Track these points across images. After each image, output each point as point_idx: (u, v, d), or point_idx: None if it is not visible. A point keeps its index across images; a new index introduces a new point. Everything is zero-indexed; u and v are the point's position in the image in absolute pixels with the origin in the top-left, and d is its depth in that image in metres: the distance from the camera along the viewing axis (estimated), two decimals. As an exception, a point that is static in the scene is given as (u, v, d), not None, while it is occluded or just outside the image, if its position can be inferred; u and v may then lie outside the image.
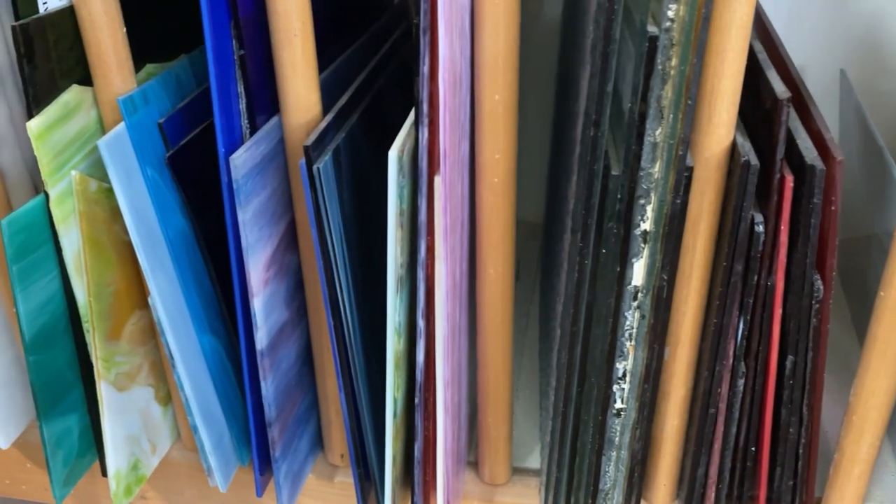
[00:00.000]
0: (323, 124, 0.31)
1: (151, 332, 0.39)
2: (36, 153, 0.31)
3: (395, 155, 0.27)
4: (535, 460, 0.41)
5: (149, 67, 0.36)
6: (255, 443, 0.37)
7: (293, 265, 0.36)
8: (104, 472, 0.41)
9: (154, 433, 0.41)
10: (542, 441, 0.40)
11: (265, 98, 0.33)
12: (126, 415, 0.38)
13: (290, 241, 0.35)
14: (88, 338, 0.36)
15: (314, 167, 0.29)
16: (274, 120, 0.33)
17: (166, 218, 0.34)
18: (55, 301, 0.35)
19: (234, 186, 0.30)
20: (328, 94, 0.34)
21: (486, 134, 0.30)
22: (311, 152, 0.29)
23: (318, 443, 0.42)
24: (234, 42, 0.30)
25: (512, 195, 0.32)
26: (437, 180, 0.28)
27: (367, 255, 0.35)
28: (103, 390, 0.36)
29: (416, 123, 0.27)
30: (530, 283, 0.54)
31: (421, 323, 0.31)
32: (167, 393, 0.41)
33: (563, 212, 0.34)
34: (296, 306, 0.37)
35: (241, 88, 0.31)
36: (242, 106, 0.32)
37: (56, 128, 0.32)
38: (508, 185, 0.32)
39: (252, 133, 0.32)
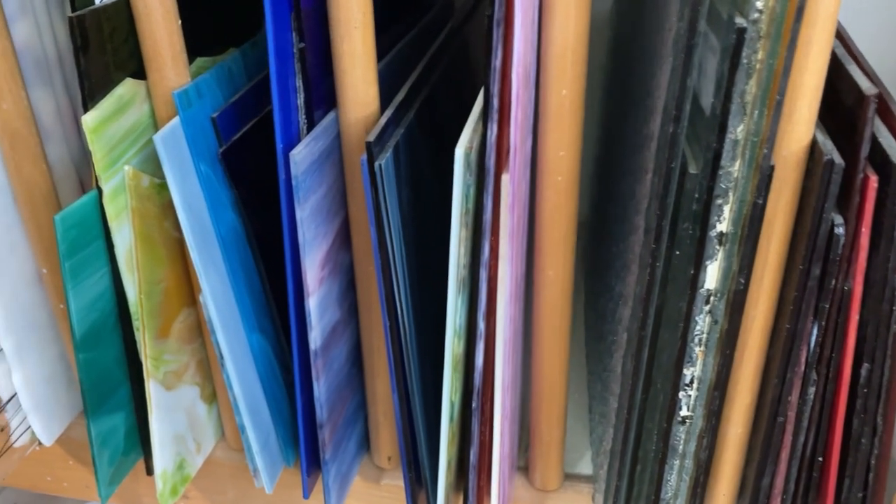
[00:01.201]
0: (383, 120, 0.30)
1: (198, 330, 0.39)
2: (90, 147, 0.31)
3: (462, 152, 0.26)
4: (585, 466, 0.40)
5: (199, 61, 0.35)
6: (303, 444, 0.37)
7: (346, 263, 0.35)
8: (149, 471, 0.40)
9: (199, 432, 0.40)
10: (595, 446, 0.39)
11: (322, 92, 0.32)
12: (173, 414, 0.38)
13: (343, 238, 0.34)
14: (138, 336, 0.35)
15: (375, 164, 0.28)
16: (331, 115, 0.32)
17: (218, 214, 0.34)
18: (105, 298, 0.35)
19: (294, 183, 0.29)
20: (381, 88, 0.33)
21: (552, 130, 0.29)
22: (373, 148, 0.28)
23: (365, 444, 0.41)
24: (293, 34, 0.29)
25: (575, 194, 0.31)
26: (505, 178, 0.27)
27: (423, 254, 0.34)
28: (152, 389, 0.36)
29: (485, 119, 0.26)
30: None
31: (481, 325, 0.30)
32: (212, 391, 0.41)
33: (626, 211, 0.33)
34: (347, 305, 0.36)
35: (299, 82, 0.30)
36: (300, 100, 0.31)
37: (110, 122, 0.31)
38: (572, 184, 0.31)
39: (309, 128, 0.31)
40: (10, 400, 0.40)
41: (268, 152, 0.36)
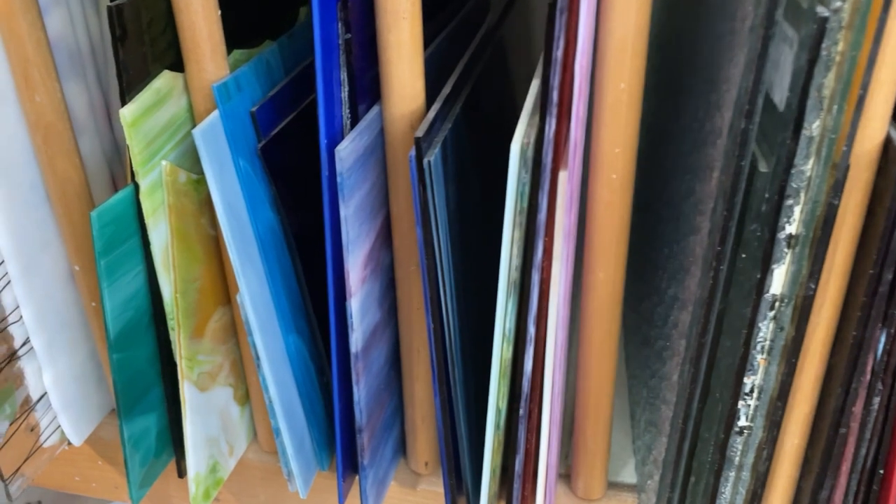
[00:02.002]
0: (431, 114, 0.29)
1: (232, 330, 0.38)
2: (128, 142, 0.30)
3: (518, 147, 0.25)
4: (628, 474, 0.39)
5: (236, 53, 0.34)
6: (340, 448, 0.36)
7: (386, 263, 0.34)
8: (180, 474, 0.40)
9: (232, 434, 0.39)
10: (641, 455, 0.38)
11: (365, 86, 0.31)
12: (207, 416, 0.37)
13: (385, 237, 0.33)
14: (173, 336, 0.34)
15: (424, 160, 0.27)
16: (375, 109, 0.31)
17: (256, 211, 0.33)
18: (139, 296, 0.34)
19: (339, 180, 0.28)
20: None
21: (607, 126, 0.28)
22: (422, 144, 0.27)
23: (401, 449, 0.40)
24: (339, 25, 0.28)
25: (629, 193, 0.30)
26: (563, 176, 0.25)
27: (467, 253, 0.32)
28: (186, 391, 0.35)
29: (543, 113, 0.25)
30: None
31: (531, 329, 0.29)
32: (245, 392, 0.40)
33: (681, 211, 0.32)
34: (387, 306, 0.35)
35: (343, 75, 0.29)
36: (344, 94, 0.30)
37: (148, 115, 0.30)
38: (626, 182, 0.29)
39: (353, 123, 0.30)
40: (39, 399, 0.39)
41: (306, 148, 0.35)
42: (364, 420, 0.34)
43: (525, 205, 0.26)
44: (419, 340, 0.35)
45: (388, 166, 0.32)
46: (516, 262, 0.27)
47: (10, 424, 0.37)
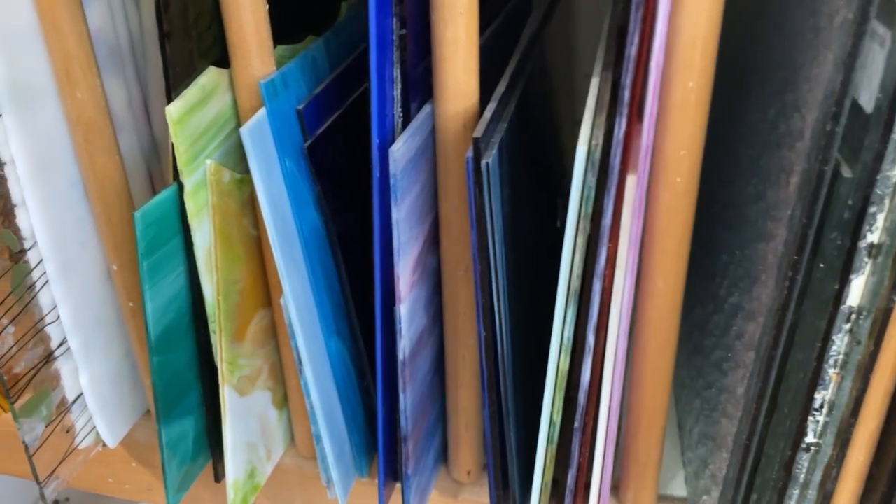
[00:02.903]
0: (488, 114, 0.27)
1: (272, 333, 0.37)
2: (174, 140, 0.29)
3: (584, 150, 0.24)
4: (677, 487, 0.38)
5: (280, 49, 0.33)
6: (382, 456, 0.35)
7: (431, 267, 0.33)
8: (217, 478, 0.39)
9: (270, 439, 0.38)
10: (693, 467, 0.36)
11: (416, 83, 0.30)
12: (246, 420, 0.36)
13: (432, 240, 0.32)
14: (214, 339, 0.33)
15: (482, 162, 0.26)
16: (426, 108, 0.30)
17: (301, 212, 0.32)
18: (180, 298, 0.33)
19: (392, 182, 0.27)
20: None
21: (674, 126, 0.26)
22: (480, 145, 0.26)
23: (442, 457, 0.39)
24: (394, 20, 0.27)
25: (693, 198, 0.28)
26: (632, 180, 0.24)
27: (520, 259, 0.31)
28: (227, 395, 0.34)
29: (612, 113, 0.24)
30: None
31: (591, 339, 0.27)
32: (283, 396, 0.39)
33: (748, 216, 0.30)
34: (432, 311, 0.34)
35: (397, 72, 0.28)
36: (397, 92, 0.29)
37: (194, 113, 0.29)
38: (691, 186, 0.28)
39: (405, 122, 0.29)
40: (75, 401, 0.38)
41: (350, 146, 0.34)
42: (409, 428, 0.33)
43: (590, 209, 0.25)
44: (465, 347, 0.34)
45: (438, 167, 0.31)
46: (578, 269, 0.26)
47: (47, 426, 0.37)
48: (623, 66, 0.23)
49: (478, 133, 0.26)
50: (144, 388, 0.41)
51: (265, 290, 0.35)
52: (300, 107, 0.31)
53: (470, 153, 0.26)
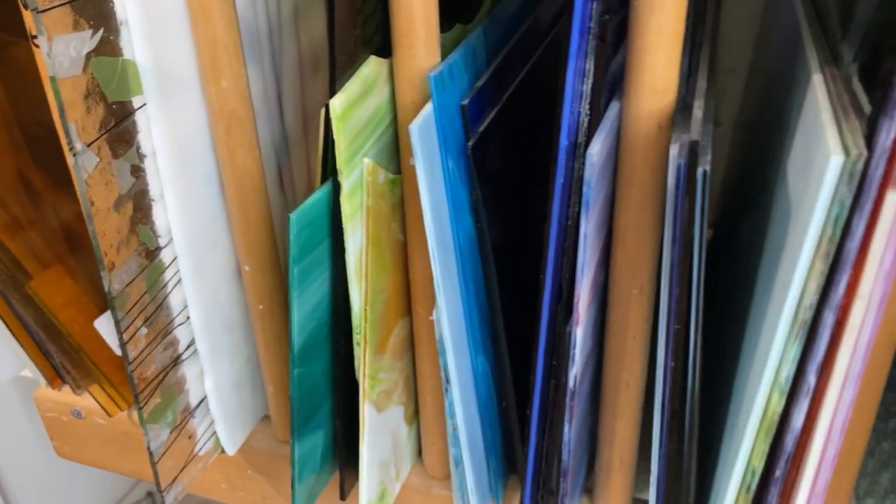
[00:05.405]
0: (699, 112, 0.24)
1: (408, 345, 0.34)
2: (335, 137, 0.26)
3: (840, 160, 0.20)
4: (855, 538, 0.33)
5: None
6: (528, 489, 0.31)
7: (601, 283, 0.30)
8: (342, 495, 0.36)
9: (399, 457, 0.36)
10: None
11: (605, 77, 0.26)
12: (382, 437, 0.33)
13: (603, 254, 0.29)
14: (357, 351, 0.31)
15: (699, 169, 0.22)
16: (615, 105, 0.26)
17: (459, 219, 0.29)
18: (322, 307, 0.31)
19: (585, 189, 0.24)
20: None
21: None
22: (699, 149, 0.22)
23: (584, 490, 0.36)
24: (593, 4, 0.24)
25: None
26: (892, 197, 0.20)
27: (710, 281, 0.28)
28: (367, 412, 0.31)
29: (875, 116, 0.20)
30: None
31: (811, 379, 0.24)
32: (414, 411, 0.36)
33: None
34: (597, 334, 0.30)
35: (590, 64, 0.25)
36: (587, 87, 0.25)
37: (356, 107, 0.27)
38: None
39: (592, 121, 0.26)
40: (198, 406, 0.36)
41: (507, 147, 0.31)
42: (569, 461, 0.29)
43: (838, 231, 0.21)
44: (630, 374, 0.30)
45: (620, 171, 0.27)
46: (810, 299, 0.22)
47: (171, 432, 0.35)
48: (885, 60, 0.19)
49: (695, 136, 0.22)
50: (266, 394, 0.39)
51: (406, 299, 0.33)
52: (464, 101, 0.28)
53: (681, 159, 0.23)
